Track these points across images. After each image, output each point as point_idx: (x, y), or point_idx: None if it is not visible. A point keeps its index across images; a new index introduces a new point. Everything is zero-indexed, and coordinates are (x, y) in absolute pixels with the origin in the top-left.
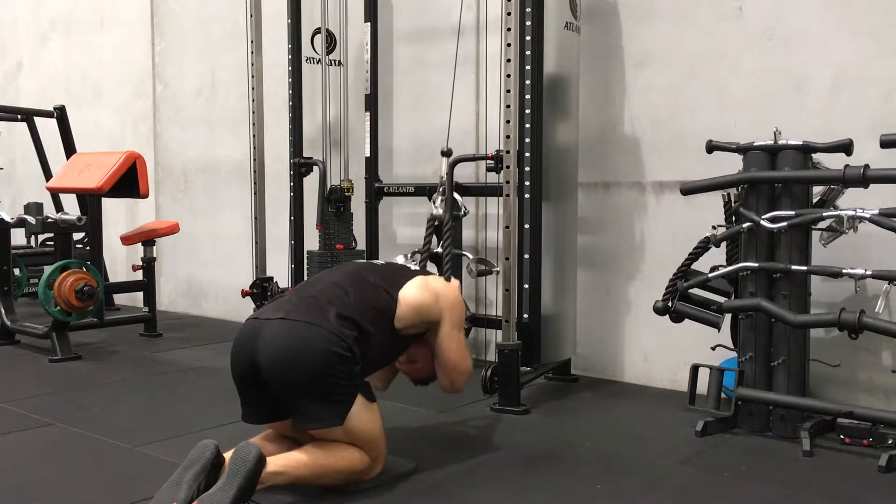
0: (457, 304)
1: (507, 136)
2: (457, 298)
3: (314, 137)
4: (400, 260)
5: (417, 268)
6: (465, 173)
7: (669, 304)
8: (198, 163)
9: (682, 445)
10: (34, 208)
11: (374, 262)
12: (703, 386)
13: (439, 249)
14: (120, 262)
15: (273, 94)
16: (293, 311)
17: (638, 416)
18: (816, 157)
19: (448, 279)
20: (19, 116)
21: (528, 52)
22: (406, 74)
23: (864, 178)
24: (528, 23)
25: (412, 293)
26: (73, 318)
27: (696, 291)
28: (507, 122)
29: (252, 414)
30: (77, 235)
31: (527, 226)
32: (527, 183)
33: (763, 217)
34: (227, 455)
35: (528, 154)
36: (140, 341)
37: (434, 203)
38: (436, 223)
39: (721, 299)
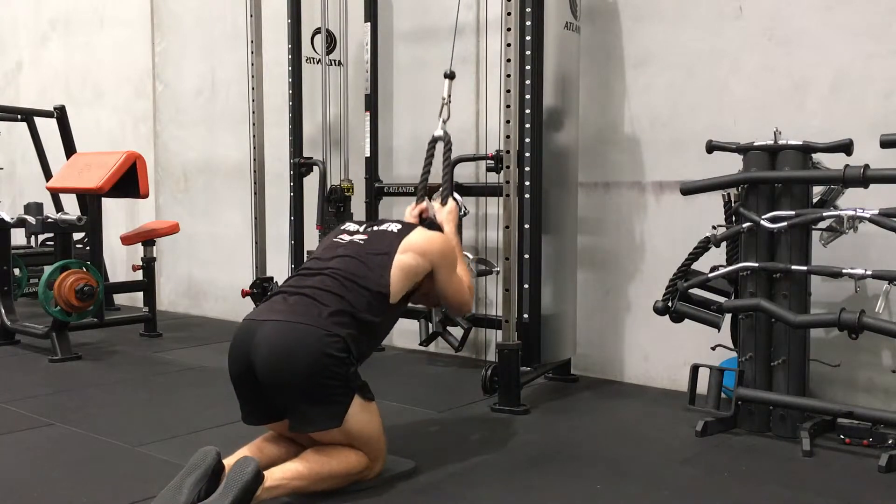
0: (444, 250)
1: (507, 136)
2: (443, 245)
3: (314, 137)
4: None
5: (400, 223)
6: (465, 173)
7: (669, 304)
8: (198, 163)
9: (682, 445)
10: (34, 208)
11: (359, 237)
12: (703, 386)
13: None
14: (120, 262)
15: (273, 94)
16: (288, 312)
17: (638, 416)
18: (816, 157)
19: (444, 202)
20: (19, 116)
21: (528, 52)
22: (406, 74)
23: (864, 178)
24: (528, 23)
25: (399, 263)
26: (73, 318)
27: (696, 291)
28: (507, 122)
29: (251, 415)
30: (77, 235)
31: (527, 226)
32: (527, 183)
33: (763, 217)
34: (229, 461)
35: (528, 154)
36: (140, 341)
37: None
38: (435, 144)
39: (721, 299)
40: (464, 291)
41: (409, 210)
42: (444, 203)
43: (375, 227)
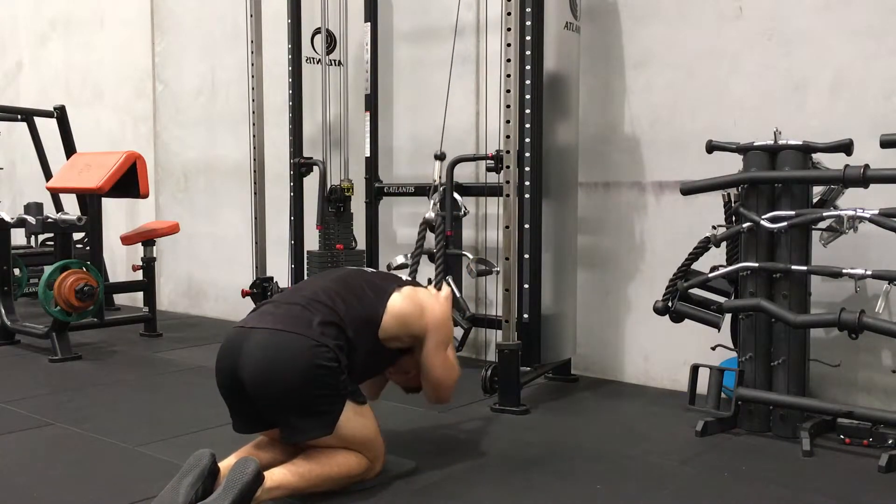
0: (443, 322)
1: (507, 136)
2: (443, 316)
3: (314, 137)
4: (399, 259)
5: (409, 277)
6: (465, 173)
7: (669, 304)
8: (198, 163)
9: (682, 445)
10: (34, 208)
11: (365, 269)
12: (703, 386)
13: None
14: (120, 262)
15: (273, 94)
16: (277, 320)
17: (638, 416)
18: (816, 157)
19: (438, 287)
20: (19, 116)
21: (528, 52)
22: (406, 74)
23: (864, 178)
24: (528, 23)
25: (398, 303)
26: (73, 318)
27: (696, 291)
28: (507, 122)
29: (241, 424)
30: (77, 235)
31: (527, 226)
32: (527, 183)
33: (763, 217)
34: (224, 464)
35: (528, 154)
36: (140, 341)
37: (431, 204)
38: (427, 228)
39: (721, 299)
40: (448, 373)
41: None
42: (437, 287)
43: (393, 260)
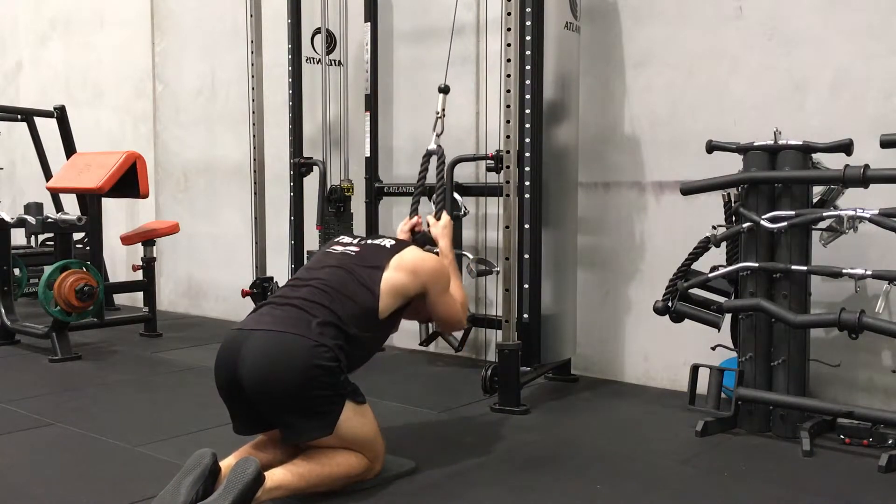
0: (438, 272)
1: (507, 136)
2: (435, 265)
3: (314, 137)
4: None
5: (394, 240)
6: (465, 173)
7: (669, 304)
8: (198, 163)
9: (682, 445)
10: (34, 208)
11: (352, 249)
12: (703, 386)
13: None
14: (120, 262)
15: (273, 94)
16: (276, 322)
17: (638, 416)
18: (816, 157)
19: (438, 217)
20: (19, 116)
21: (528, 52)
22: (406, 74)
23: (864, 178)
24: (528, 23)
25: (391, 279)
26: (73, 318)
27: (696, 291)
28: (507, 122)
29: (241, 426)
30: (77, 235)
31: (527, 226)
32: (527, 183)
33: (763, 217)
34: (224, 464)
35: (528, 154)
36: (140, 341)
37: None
38: (429, 159)
39: (721, 299)
40: (455, 312)
41: (402, 225)
42: (437, 217)
43: (369, 241)
